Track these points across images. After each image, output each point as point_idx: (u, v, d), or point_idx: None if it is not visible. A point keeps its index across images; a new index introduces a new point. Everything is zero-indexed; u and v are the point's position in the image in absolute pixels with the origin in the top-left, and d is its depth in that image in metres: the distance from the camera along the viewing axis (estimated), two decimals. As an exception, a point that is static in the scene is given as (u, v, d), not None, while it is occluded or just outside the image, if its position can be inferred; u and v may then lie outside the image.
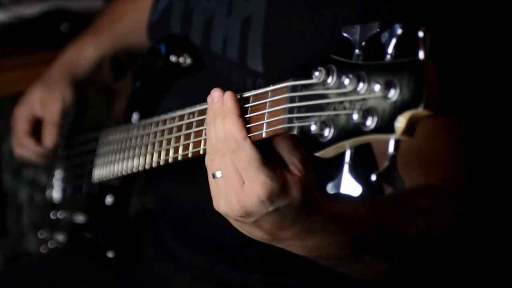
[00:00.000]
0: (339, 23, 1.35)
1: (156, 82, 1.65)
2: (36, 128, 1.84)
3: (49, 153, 1.84)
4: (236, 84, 1.47)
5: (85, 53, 1.89)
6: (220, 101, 1.10)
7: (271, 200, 1.05)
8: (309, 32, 1.39)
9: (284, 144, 1.07)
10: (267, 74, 1.43)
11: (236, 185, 1.06)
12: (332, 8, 1.36)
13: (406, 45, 0.93)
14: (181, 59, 1.58)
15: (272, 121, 1.04)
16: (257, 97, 1.09)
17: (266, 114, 1.05)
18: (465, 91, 1.35)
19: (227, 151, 1.07)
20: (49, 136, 1.82)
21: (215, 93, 1.11)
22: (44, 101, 1.84)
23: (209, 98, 1.12)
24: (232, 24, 1.50)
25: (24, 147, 1.85)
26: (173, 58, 1.58)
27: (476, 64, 1.38)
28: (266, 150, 1.07)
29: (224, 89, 1.49)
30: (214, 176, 1.09)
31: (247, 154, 1.05)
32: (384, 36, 0.93)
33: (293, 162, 1.07)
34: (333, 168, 1.00)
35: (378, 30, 0.96)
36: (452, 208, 1.29)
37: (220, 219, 1.13)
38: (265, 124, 1.05)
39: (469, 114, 1.35)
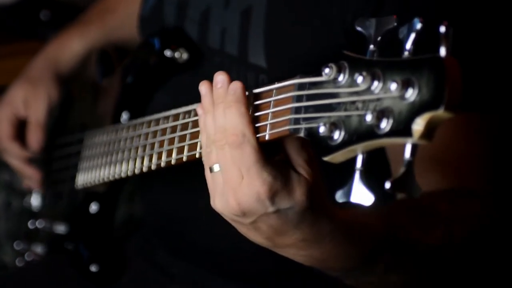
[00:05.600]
0: (348, 14, 1.35)
1: (148, 79, 1.65)
2: (19, 129, 1.84)
3: (35, 157, 1.84)
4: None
5: (70, 46, 1.88)
6: (224, 87, 1.07)
7: (272, 199, 1.04)
8: (316, 23, 1.39)
9: (291, 143, 1.06)
10: (271, 69, 1.43)
11: (235, 181, 1.04)
12: None
13: (423, 38, 0.92)
14: (176, 54, 1.57)
15: (277, 122, 1.04)
16: (260, 95, 1.08)
17: (270, 114, 1.05)
18: (487, 86, 1.35)
19: (226, 144, 1.05)
20: (35, 139, 1.81)
21: (220, 77, 1.08)
22: (28, 100, 1.83)
23: (204, 85, 1.09)
24: (230, 17, 1.49)
25: (8, 153, 1.84)
26: (168, 53, 1.58)
27: (499, 57, 1.38)
28: (269, 148, 1.06)
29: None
30: (211, 170, 1.08)
31: (254, 151, 1.03)
32: (402, 31, 0.93)
33: (299, 163, 1.06)
34: (344, 173, 0.99)
35: (395, 24, 0.95)
36: (473, 215, 1.28)
37: (216, 229, 1.12)
38: (268, 125, 1.04)
39: (491, 112, 1.35)
